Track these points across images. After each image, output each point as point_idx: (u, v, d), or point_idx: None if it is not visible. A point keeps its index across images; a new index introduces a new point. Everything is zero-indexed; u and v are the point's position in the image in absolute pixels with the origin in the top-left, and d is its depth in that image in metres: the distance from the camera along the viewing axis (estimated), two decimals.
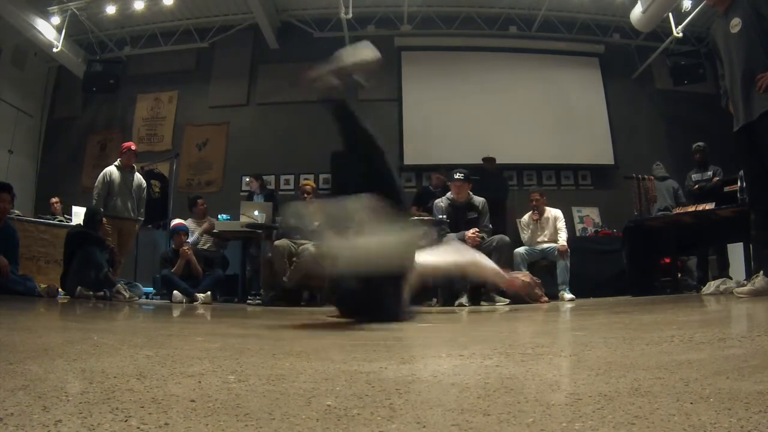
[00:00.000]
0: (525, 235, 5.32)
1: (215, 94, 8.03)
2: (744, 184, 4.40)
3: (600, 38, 7.88)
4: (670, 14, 6.75)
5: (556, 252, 4.95)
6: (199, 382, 0.70)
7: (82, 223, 4.84)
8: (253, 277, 5.59)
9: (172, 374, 0.75)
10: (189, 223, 5.73)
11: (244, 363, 0.87)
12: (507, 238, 4.47)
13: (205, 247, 5.60)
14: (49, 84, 8.40)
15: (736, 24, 2.78)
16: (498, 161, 6.64)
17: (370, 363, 0.87)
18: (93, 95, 8.00)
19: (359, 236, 1.76)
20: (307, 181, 5.84)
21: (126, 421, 0.49)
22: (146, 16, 7.65)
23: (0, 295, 3.85)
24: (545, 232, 5.19)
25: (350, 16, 6.63)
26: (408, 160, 7.43)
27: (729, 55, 2.85)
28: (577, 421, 0.49)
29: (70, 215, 6.05)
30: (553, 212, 5.27)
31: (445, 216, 4.47)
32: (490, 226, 4.53)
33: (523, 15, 7.82)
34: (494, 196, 5.34)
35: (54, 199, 6.62)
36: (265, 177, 7.57)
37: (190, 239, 5.46)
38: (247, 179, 7.08)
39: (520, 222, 5.57)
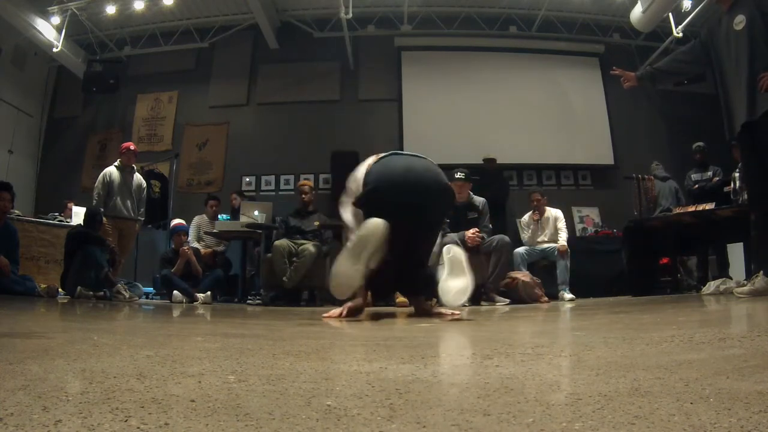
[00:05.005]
0: (525, 235, 5.33)
1: (215, 94, 8.03)
2: (738, 184, 4.41)
3: (600, 38, 7.87)
4: (670, 14, 6.74)
5: (556, 252, 4.95)
6: (199, 382, 0.70)
7: (82, 223, 4.84)
8: (253, 277, 5.59)
9: (172, 374, 0.75)
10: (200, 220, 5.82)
11: (244, 363, 0.87)
12: (507, 239, 4.47)
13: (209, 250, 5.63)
14: (49, 84, 8.40)
15: (740, 21, 2.75)
16: (498, 161, 6.65)
17: (370, 363, 0.87)
18: (93, 95, 7.98)
19: None
20: (307, 181, 5.83)
21: (126, 421, 0.49)
22: (146, 16, 7.64)
23: (0, 295, 3.86)
24: (545, 232, 5.20)
25: (350, 16, 6.62)
26: None
27: (731, 53, 2.82)
28: (577, 421, 0.49)
29: (71, 215, 6.05)
30: (553, 212, 5.28)
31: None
32: (491, 226, 4.54)
33: (523, 15, 7.81)
34: (494, 196, 5.35)
35: (70, 203, 6.54)
36: (265, 177, 7.61)
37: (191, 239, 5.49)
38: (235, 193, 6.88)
39: (520, 222, 5.58)
